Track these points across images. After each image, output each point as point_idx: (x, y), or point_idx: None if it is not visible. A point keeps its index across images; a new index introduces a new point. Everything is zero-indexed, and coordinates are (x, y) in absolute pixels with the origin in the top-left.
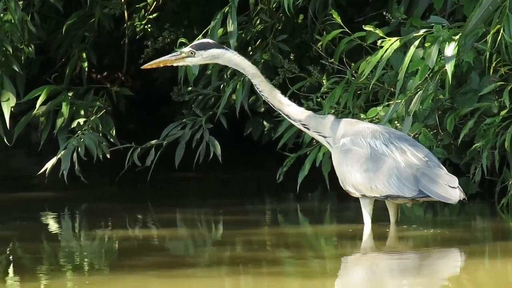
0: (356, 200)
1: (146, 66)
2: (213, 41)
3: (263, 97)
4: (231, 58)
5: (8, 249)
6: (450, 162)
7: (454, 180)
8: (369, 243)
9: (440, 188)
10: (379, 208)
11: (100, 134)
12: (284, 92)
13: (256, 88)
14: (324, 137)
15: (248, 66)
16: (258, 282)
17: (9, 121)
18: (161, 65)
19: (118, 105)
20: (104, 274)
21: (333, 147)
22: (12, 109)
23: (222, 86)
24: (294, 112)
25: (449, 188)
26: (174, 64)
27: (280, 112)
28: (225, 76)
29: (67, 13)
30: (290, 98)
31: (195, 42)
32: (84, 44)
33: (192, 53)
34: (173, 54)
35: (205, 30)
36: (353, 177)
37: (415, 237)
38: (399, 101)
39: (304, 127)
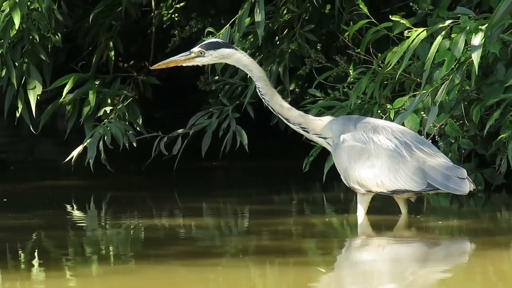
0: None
1: (156, 66)
2: (222, 40)
3: (263, 100)
4: (241, 58)
5: (33, 237)
6: (476, 153)
7: (462, 171)
8: (365, 233)
9: (449, 180)
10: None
11: (127, 123)
12: (310, 82)
13: (258, 91)
14: (325, 138)
15: (256, 68)
16: (284, 272)
17: (35, 109)
18: (171, 65)
19: (145, 94)
20: (130, 263)
21: (333, 143)
22: (39, 97)
23: (248, 75)
24: (293, 115)
25: (458, 180)
26: (184, 64)
27: (280, 117)
28: None
29: (94, 1)
30: (316, 88)
31: (205, 42)
32: (111, 32)
33: (201, 52)
34: (183, 54)
35: (232, 20)
36: (357, 174)
37: (440, 227)
38: (425, 91)
39: (304, 130)
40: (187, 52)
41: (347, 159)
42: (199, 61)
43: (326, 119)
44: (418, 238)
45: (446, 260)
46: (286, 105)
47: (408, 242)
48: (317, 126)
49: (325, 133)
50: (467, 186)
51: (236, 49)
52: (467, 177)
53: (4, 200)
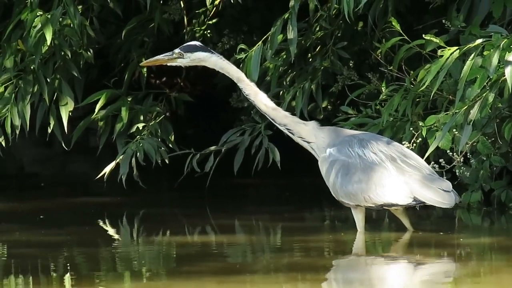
0: (413, 207)
1: (144, 64)
2: (200, 44)
3: (249, 100)
4: (217, 62)
5: (66, 253)
6: (508, 170)
7: (447, 184)
8: (361, 248)
9: (435, 193)
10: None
11: (159, 139)
12: (343, 99)
13: (243, 92)
14: (308, 142)
15: (232, 70)
16: None
17: (67, 125)
18: (157, 64)
19: (177, 111)
20: (162, 279)
21: (319, 157)
22: (70, 113)
23: (281, 92)
24: (278, 116)
25: (443, 193)
26: (168, 64)
27: (266, 116)
28: (284, 82)
29: (126, 18)
30: (349, 105)
31: (184, 44)
32: (143, 49)
33: (181, 54)
34: (167, 54)
35: (265, 37)
36: (345, 189)
37: (471, 245)
38: (458, 110)
39: (289, 132)
40: (170, 53)
41: (334, 174)
42: (180, 62)
43: (311, 124)
44: (441, 256)
45: (481, 276)
46: (271, 104)
47: (425, 261)
48: (301, 129)
49: (308, 137)
50: (453, 199)
51: (213, 53)
52: (452, 190)
53: (41, 217)
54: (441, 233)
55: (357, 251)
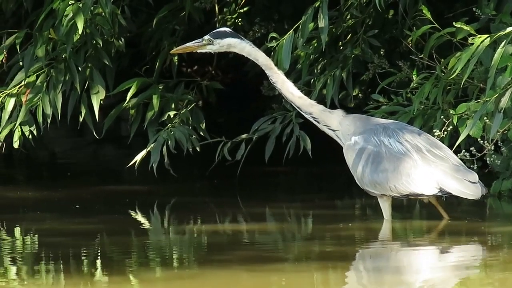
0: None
1: (174, 51)
2: (230, 30)
3: (276, 88)
4: (245, 48)
5: (97, 242)
6: None
7: (474, 176)
8: (389, 236)
9: (461, 184)
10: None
11: (190, 127)
12: (374, 87)
13: (270, 80)
14: (334, 130)
15: (261, 57)
16: (348, 277)
17: (99, 114)
18: (187, 51)
19: (208, 99)
20: (193, 268)
21: (344, 145)
22: (102, 102)
23: (312, 80)
24: (304, 104)
25: (469, 184)
26: (198, 51)
27: (293, 104)
28: (315, 70)
29: (158, 6)
30: (379, 93)
31: (214, 31)
32: (174, 37)
33: (210, 41)
34: (197, 41)
35: (296, 25)
36: (370, 178)
37: (501, 233)
38: (489, 98)
39: (315, 120)
40: (200, 39)
41: (359, 162)
42: (209, 49)
43: (336, 112)
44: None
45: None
46: (297, 93)
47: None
48: (327, 118)
49: (334, 125)
50: (479, 191)
51: (242, 39)
52: (478, 181)
53: (76, 206)
54: (472, 221)
55: (385, 239)
